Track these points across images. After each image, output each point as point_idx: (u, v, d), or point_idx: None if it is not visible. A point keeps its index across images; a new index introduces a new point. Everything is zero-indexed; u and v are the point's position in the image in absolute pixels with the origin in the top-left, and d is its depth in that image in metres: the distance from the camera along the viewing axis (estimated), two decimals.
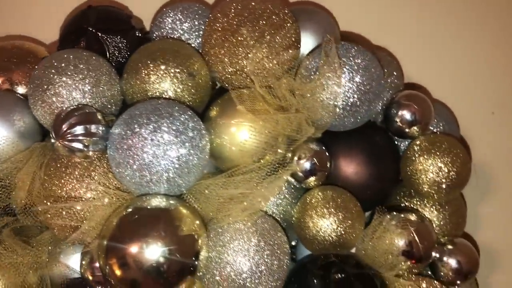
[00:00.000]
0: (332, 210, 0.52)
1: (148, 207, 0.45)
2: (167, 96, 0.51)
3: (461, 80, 0.69)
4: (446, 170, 0.54)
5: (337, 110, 0.52)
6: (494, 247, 0.68)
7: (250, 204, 0.48)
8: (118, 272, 0.44)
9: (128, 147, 0.45)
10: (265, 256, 0.48)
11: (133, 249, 0.44)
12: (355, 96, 0.52)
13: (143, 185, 0.46)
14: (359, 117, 0.53)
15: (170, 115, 0.46)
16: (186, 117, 0.47)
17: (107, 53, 0.57)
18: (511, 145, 0.69)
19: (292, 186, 0.55)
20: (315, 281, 0.47)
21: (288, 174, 0.49)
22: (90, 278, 0.50)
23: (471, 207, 0.68)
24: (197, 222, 0.47)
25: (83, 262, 0.50)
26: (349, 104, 0.52)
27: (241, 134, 0.50)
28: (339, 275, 0.47)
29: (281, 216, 0.54)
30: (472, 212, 0.67)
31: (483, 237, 0.67)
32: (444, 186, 0.54)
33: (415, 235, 0.53)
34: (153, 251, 0.44)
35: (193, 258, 0.45)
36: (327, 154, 0.53)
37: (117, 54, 0.57)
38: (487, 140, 0.69)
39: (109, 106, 0.52)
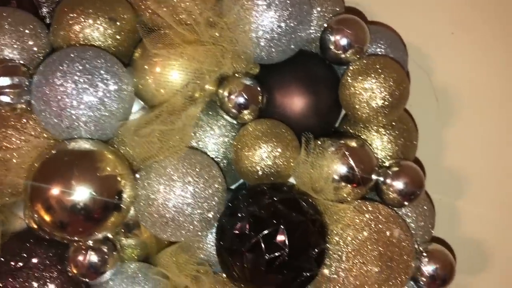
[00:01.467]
0: (265, 140, 0.51)
1: (69, 149, 0.46)
2: (92, 43, 0.51)
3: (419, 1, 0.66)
4: (380, 91, 0.52)
5: (260, 41, 0.51)
6: (461, 172, 0.67)
7: (178, 141, 0.49)
8: (44, 215, 0.45)
9: (43, 95, 0.47)
10: (197, 190, 0.48)
11: (55, 190, 0.45)
12: (277, 25, 0.51)
13: (64, 131, 0.47)
14: (284, 47, 0.52)
15: (82, 59, 0.47)
16: (101, 61, 0.48)
17: (40, 12, 0.58)
18: (472, 66, 0.67)
19: (231, 127, 0.55)
20: (244, 208, 0.48)
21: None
22: (35, 226, 0.52)
23: (434, 133, 0.66)
24: (120, 162, 0.48)
25: (25, 211, 0.52)
26: (272, 33, 0.51)
27: (165, 74, 0.50)
28: (269, 200, 0.47)
29: (223, 157, 0.55)
30: (436, 136, 0.66)
31: (449, 161, 0.66)
32: (379, 107, 0.53)
33: (351, 159, 0.52)
34: (75, 192, 0.45)
35: (116, 197, 0.46)
36: (258, 88, 0.53)
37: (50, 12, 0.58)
38: (447, 63, 0.67)
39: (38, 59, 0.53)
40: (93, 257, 0.50)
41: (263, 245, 0.46)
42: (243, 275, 0.47)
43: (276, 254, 0.46)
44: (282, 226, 0.46)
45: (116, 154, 0.49)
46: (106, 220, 0.47)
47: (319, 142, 0.52)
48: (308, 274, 0.48)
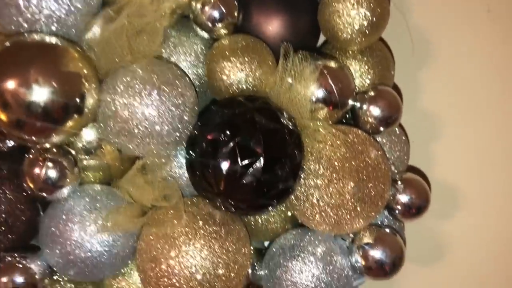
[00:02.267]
0: (241, 54, 0.49)
1: (30, 41, 0.43)
2: None
3: None
4: (361, 10, 0.51)
5: None
6: (435, 111, 0.66)
7: (147, 44, 0.46)
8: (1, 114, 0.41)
9: None
10: (166, 98, 0.45)
11: (11, 84, 0.41)
12: None
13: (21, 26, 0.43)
14: None
15: None
16: None
17: None
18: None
19: (204, 44, 0.52)
20: (218, 115, 0.45)
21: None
22: None
23: (410, 75, 0.65)
24: (87, 64, 0.45)
25: None
26: None
27: None
28: (244, 108, 0.45)
29: (195, 78, 0.52)
30: (412, 79, 0.65)
31: (424, 103, 0.65)
32: (360, 27, 0.51)
33: (330, 79, 0.50)
34: (34, 87, 0.41)
35: (77, 99, 0.43)
36: (234, 1, 0.50)
37: None
38: (425, 5, 0.66)
39: None
40: (50, 170, 0.46)
41: (237, 152, 0.43)
42: (216, 185, 0.44)
43: (251, 160, 0.43)
44: (258, 133, 0.43)
45: (83, 54, 0.45)
46: (65, 122, 0.43)
47: (297, 58, 0.49)
48: (283, 186, 0.45)
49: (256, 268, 0.55)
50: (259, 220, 0.54)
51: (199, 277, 0.47)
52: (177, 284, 0.47)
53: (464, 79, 0.66)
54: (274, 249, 0.53)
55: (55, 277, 0.50)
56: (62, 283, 0.51)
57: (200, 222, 0.47)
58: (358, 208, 0.49)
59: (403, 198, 0.53)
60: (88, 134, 0.49)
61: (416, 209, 0.53)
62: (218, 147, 0.44)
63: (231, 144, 0.43)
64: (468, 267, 0.65)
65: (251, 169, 0.43)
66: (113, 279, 0.52)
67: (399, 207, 0.53)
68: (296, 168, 0.46)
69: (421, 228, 0.65)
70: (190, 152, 0.46)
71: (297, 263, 0.51)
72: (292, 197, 0.49)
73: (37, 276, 0.48)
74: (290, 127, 0.46)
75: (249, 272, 0.54)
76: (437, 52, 0.66)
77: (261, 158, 0.43)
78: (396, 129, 0.57)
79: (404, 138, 0.57)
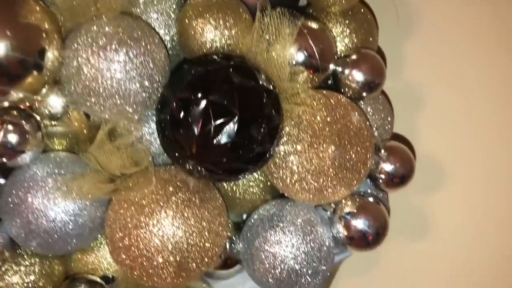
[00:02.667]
0: (215, 10, 0.46)
1: None
2: None
3: None
4: None
5: None
6: (420, 83, 0.64)
7: None
8: None
9: None
10: (135, 56, 0.42)
11: None
12: None
13: None
14: None
15: None
16: None
17: None
18: None
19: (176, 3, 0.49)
20: (190, 73, 0.42)
21: None
22: None
23: (395, 44, 0.63)
24: (48, 19, 0.41)
25: None
26: None
27: None
28: (218, 66, 0.42)
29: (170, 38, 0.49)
30: (396, 48, 0.63)
31: (409, 76, 0.63)
32: None
33: (311, 41, 0.48)
34: None
35: (37, 55, 0.40)
36: None
37: None
38: None
39: None
40: (10, 134, 0.43)
41: (210, 111, 0.40)
42: (188, 147, 0.41)
43: (225, 120, 0.40)
44: (233, 91, 0.41)
45: (45, 8, 0.42)
46: (23, 79, 0.40)
47: (275, 15, 0.47)
48: (260, 150, 0.42)
49: (234, 241, 0.52)
50: (237, 191, 0.52)
51: (170, 246, 0.44)
52: (148, 255, 0.44)
53: (450, 49, 0.65)
54: (252, 220, 0.51)
55: (18, 251, 0.47)
56: (25, 256, 0.47)
57: (172, 189, 0.45)
58: (340, 175, 0.47)
59: (387, 166, 0.51)
60: (54, 100, 0.46)
61: (400, 178, 0.51)
62: (189, 106, 0.41)
63: (204, 102, 0.41)
64: (454, 241, 0.63)
65: (225, 130, 0.41)
66: (81, 254, 0.50)
67: (382, 176, 0.51)
68: (274, 131, 0.43)
69: (406, 202, 0.63)
70: (160, 113, 0.43)
71: (276, 234, 0.48)
72: (271, 164, 0.47)
73: None
74: (268, 87, 0.43)
75: (226, 245, 0.51)
76: (422, 21, 0.64)
77: (236, 118, 0.41)
78: (380, 96, 0.54)
79: (388, 106, 0.55)
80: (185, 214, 0.44)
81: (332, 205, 0.51)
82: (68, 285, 0.47)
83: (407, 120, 0.63)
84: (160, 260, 0.45)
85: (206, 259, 0.47)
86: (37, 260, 0.48)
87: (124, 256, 0.45)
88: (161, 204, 0.44)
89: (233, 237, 0.53)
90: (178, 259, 0.45)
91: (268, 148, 0.44)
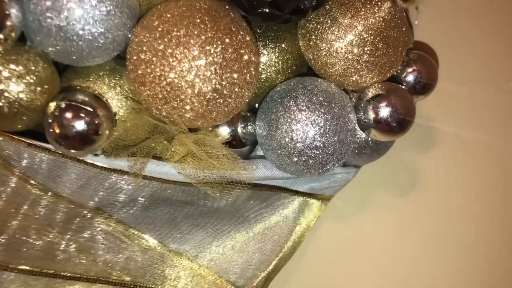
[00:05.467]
0: None
1: None
2: None
3: None
4: None
5: None
6: None
7: None
8: None
9: None
10: None
11: None
12: None
13: None
14: None
15: None
16: None
17: None
18: None
19: None
20: None
21: None
22: None
23: None
24: None
25: None
26: None
27: None
28: None
29: None
30: None
31: None
32: None
33: None
34: None
35: None
36: None
37: None
38: None
39: None
40: None
41: None
42: None
43: None
44: None
45: None
46: None
47: None
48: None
49: (249, 119, 0.49)
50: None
51: (198, 80, 0.41)
52: (173, 87, 0.40)
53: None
54: (271, 95, 0.48)
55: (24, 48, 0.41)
56: (25, 56, 0.41)
57: (202, 16, 0.41)
58: (372, 61, 0.46)
59: (412, 72, 0.51)
60: None
61: (423, 86, 0.51)
62: None
63: None
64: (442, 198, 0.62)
65: None
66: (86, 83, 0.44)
67: (408, 78, 0.51)
68: None
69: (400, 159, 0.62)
70: None
71: (297, 110, 0.46)
72: (308, 34, 0.46)
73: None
74: None
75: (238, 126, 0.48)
76: None
77: None
78: None
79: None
80: (215, 46, 0.41)
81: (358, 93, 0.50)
82: (67, 95, 0.41)
83: None
84: (186, 94, 0.41)
85: (234, 100, 0.43)
86: (37, 62, 0.42)
87: (145, 87, 0.41)
88: (190, 31, 0.41)
89: (248, 114, 0.49)
90: (205, 94, 0.41)
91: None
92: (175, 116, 0.43)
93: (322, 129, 0.45)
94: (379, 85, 0.48)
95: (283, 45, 0.49)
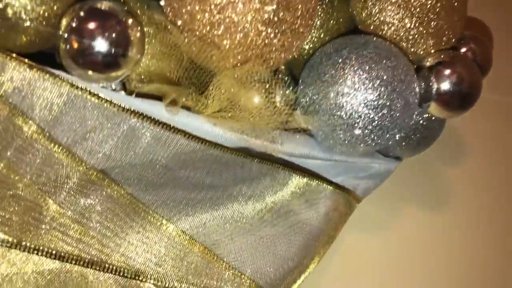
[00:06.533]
0: None
1: None
2: None
3: None
4: None
5: None
6: None
7: None
8: None
9: None
10: None
11: None
12: None
13: None
14: None
15: None
16: None
17: None
18: None
19: None
20: None
21: None
22: None
23: None
24: None
25: None
26: None
27: None
28: None
29: None
30: None
31: None
32: None
33: None
34: None
35: None
36: None
37: None
38: None
39: None
40: None
41: None
42: None
43: None
44: None
45: None
46: None
47: None
48: None
49: (288, 83, 0.42)
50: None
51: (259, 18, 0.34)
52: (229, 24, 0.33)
53: None
54: (319, 54, 0.41)
55: None
56: None
57: None
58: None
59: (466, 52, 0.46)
60: None
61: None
62: None
63: None
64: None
65: None
66: None
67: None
68: None
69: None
70: None
71: (347, 72, 0.39)
72: None
73: None
74: None
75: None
76: None
77: None
78: None
79: None
80: None
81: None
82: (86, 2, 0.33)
83: None
84: (239, 19, 0.34)
85: (291, 36, 0.36)
86: None
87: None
88: None
89: (286, 78, 0.42)
90: (261, 22, 0.34)
91: None
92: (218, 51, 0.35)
93: (384, 88, 0.38)
94: (442, 53, 0.42)
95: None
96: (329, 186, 0.46)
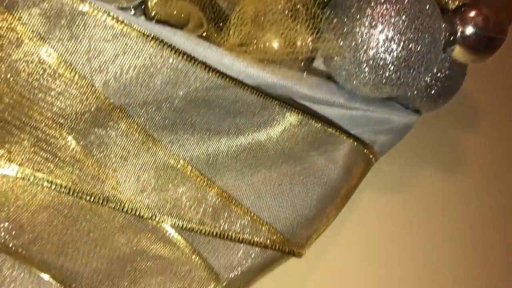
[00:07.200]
0: None
1: None
2: None
3: None
4: None
5: None
6: None
7: None
8: None
9: None
10: None
11: None
12: None
13: None
14: None
15: None
16: None
17: None
18: None
19: None
20: None
21: None
22: None
23: None
24: None
25: None
26: None
27: None
28: None
29: None
30: None
31: None
32: None
33: None
34: None
35: None
36: None
37: None
38: None
39: None
40: None
41: None
42: None
43: None
44: None
45: None
46: None
47: None
48: None
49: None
50: None
51: None
52: None
53: None
54: None
55: None
56: None
57: None
58: None
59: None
60: None
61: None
62: None
63: None
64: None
65: None
66: None
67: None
68: None
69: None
70: None
71: (374, 10, 0.38)
72: None
73: None
74: None
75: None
76: None
77: None
78: None
79: None
80: None
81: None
82: None
83: None
84: None
85: None
86: None
87: None
88: None
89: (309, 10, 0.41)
90: None
91: None
92: None
93: (411, 22, 0.37)
94: None
95: None
96: (347, 138, 0.44)
